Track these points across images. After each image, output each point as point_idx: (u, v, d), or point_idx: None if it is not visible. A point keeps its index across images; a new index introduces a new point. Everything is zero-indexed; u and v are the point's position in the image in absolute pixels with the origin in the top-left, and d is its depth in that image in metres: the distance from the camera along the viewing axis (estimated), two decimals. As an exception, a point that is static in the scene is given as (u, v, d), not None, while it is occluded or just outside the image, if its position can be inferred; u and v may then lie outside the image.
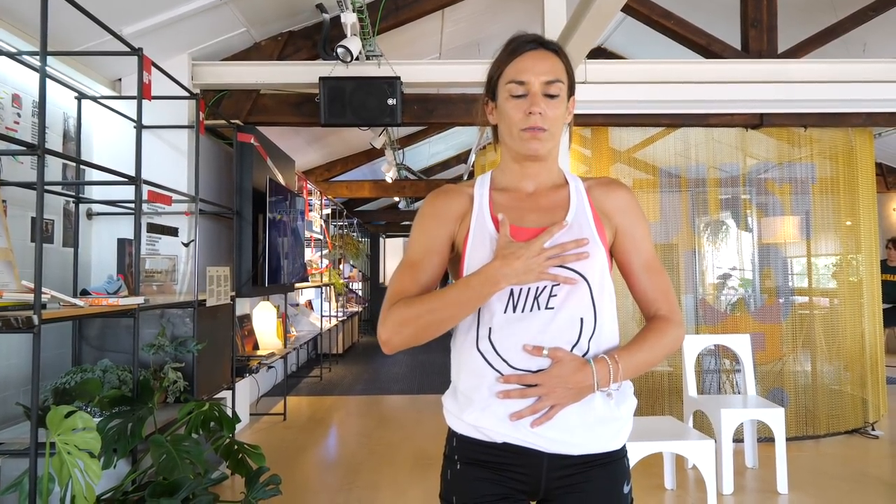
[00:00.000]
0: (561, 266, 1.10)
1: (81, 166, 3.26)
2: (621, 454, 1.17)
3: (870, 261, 4.48)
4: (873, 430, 4.40)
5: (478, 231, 1.16)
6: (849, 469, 3.72)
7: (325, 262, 7.75)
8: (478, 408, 1.12)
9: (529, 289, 1.11)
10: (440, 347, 1.30)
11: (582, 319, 1.11)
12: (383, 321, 1.12)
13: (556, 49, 1.16)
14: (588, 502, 1.13)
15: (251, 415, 4.97)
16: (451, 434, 1.20)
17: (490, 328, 1.12)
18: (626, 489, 1.16)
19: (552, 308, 1.10)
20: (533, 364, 1.09)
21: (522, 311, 1.11)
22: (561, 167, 1.24)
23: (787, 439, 3.47)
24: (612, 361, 1.09)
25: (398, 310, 1.11)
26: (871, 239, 4.48)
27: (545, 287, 1.10)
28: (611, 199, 1.20)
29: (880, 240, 4.94)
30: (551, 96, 1.12)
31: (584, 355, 1.11)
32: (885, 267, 6.04)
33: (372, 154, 7.35)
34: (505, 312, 1.11)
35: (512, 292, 1.11)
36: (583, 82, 3.79)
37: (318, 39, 3.79)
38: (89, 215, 3.42)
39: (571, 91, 1.19)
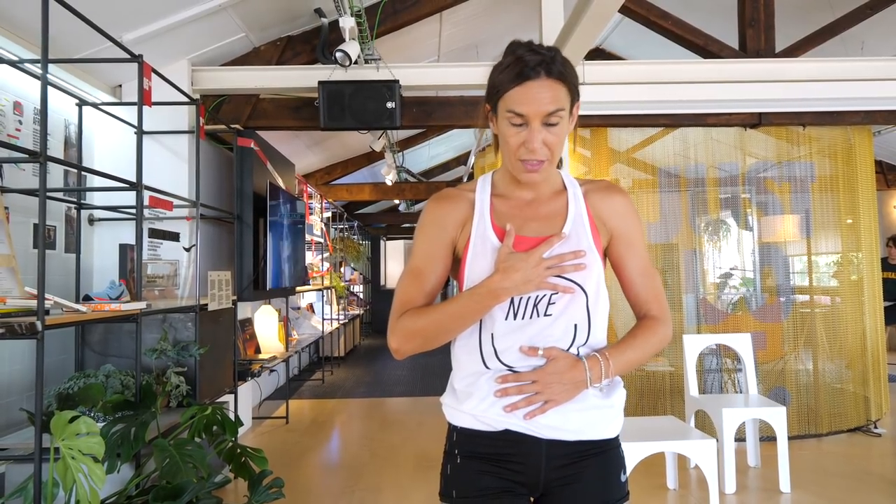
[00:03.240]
0: (559, 276, 1.13)
1: (83, 172, 3.28)
2: (615, 444, 1.20)
3: (870, 259, 4.48)
4: (876, 427, 4.40)
5: (478, 239, 1.18)
6: (851, 467, 3.72)
7: (326, 265, 7.76)
8: (477, 398, 1.16)
9: (529, 297, 1.14)
10: (441, 350, 1.34)
11: (576, 326, 1.15)
12: (392, 332, 1.17)
13: (559, 74, 1.10)
14: (586, 491, 1.16)
15: (254, 418, 4.98)
16: (451, 429, 1.22)
17: (492, 334, 1.16)
18: (622, 478, 1.19)
19: (550, 315, 1.14)
20: (530, 364, 1.14)
21: (523, 319, 1.14)
22: (559, 170, 1.26)
23: (790, 438, 3.48)
24: (604, 359, 1.13)
25: (405, 321, 1.16)
26: (871, 237, 4.48)
27: (544, 295, 1.14)
28: (607, 205, 1.22)
29: (880, 238, 4.93)
30: (552, 124, 1.10)
31: None
32: (885, 265, 6.03)
33: (372, 157, 7.37)
34: (506, 320, 1.15)
35: (512, 301, 1.14)
36: (581, 83, 3.78)
37: (317, 44, 3.80)
38: (91, 221, 3.43)
39: (575, 98, 1.15)
